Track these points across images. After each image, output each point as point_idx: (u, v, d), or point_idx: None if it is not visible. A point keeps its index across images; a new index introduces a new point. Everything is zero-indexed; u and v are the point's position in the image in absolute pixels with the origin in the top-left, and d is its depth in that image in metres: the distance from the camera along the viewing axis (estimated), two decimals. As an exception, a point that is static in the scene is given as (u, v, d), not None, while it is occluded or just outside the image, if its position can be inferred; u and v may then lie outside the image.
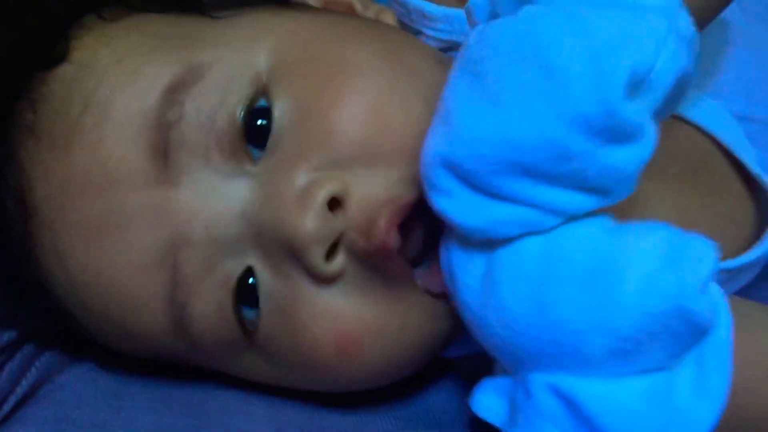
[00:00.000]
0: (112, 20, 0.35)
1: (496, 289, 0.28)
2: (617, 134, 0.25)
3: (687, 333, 0.26)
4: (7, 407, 0.35)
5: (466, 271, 0.29)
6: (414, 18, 0.44)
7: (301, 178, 0.31)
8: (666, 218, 0.42)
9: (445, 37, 0.43)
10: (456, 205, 0.28)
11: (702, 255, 0.26)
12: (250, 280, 0.33)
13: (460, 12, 0.42)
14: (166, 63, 0.32)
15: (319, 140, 0.31)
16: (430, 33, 0.44)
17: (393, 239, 0.30)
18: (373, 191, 0.31)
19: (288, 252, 0.31)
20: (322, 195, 0.30)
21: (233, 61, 0.33)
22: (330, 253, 0.31)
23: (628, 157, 0.26)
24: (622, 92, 0.24)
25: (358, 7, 0.42)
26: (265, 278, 0.33)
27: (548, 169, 0.26)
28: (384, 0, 0.53)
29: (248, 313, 0.33)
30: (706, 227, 0.43)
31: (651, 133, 0.26)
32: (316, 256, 0.30)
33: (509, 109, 0.26)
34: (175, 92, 0.32)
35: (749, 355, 0.30)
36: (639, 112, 0.25)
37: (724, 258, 0.43)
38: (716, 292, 0.27)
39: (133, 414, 0.35)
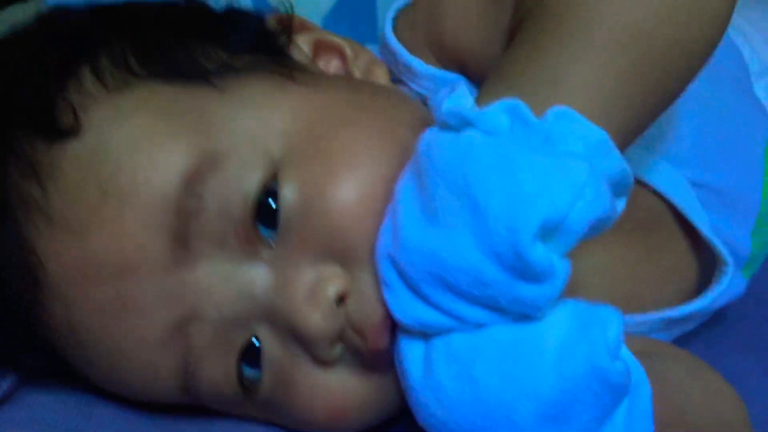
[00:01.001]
0: (118, 90, 0.35)
1: (433, 372, 0.30)
2: (526, 273, 0.27)
3: (605, 393, 0.29)
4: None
5: (409, 356, 0.31)
6: (401, 69, 0.46)
7: (309, 274, 0.34)
8: (616, 269, 0.46)
9: (427, 93, 0.45)
10: (394, 299, 0.30)
11: (608, 322, 0.29)
12: (255, 342, 0.35)
13: (444, 72, 0.44)
14: (181, 151, 0.33)
15: (322, 233, 0.33)
16: (414, 87, 0.45)
17: (383, 343, 0.33)
18: (369, 292, 0.33)
19: (295, 336, 0.34)
20: (330, 294, 0.33)
21: (247, 148, 0.34)
22: (333, 341, 0.34)
23: (536, 294, 0.28)
24: (531, 238, 0.26)
25: (349, 53, 0.44)
26: (269, 346, 0.35)
27: (467, 290, 0.28)
28: (374, 43, 0.56)
29: (249, 373, 0.36)
30: (652, 279, 0.47)
31: (561, 272, 0.28)
32: (322, 349, 0.34)
33: (440, 228, 0.28)
34: (193, 182, 0.33)
35: (668, 419, 0.32)
36: (547, 256, 0.27)
37: (667, 307, 0.47)
38: (630, 358, 0.30)
39: (104, 420, 0.37)
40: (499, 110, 0.29)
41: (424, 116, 0.40)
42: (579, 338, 0.28)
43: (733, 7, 0.35)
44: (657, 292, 0.47)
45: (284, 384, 0.36)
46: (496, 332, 0.29)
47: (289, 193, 0.34)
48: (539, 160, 0.27)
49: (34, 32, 0.41)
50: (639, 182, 0.45)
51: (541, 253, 0.27)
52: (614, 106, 0.31)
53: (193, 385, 0.36)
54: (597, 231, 0.29)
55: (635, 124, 0.33)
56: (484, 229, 0.27)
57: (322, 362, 0.35)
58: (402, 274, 0.30)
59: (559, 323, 0.29)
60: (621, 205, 0.31)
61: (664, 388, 0.33)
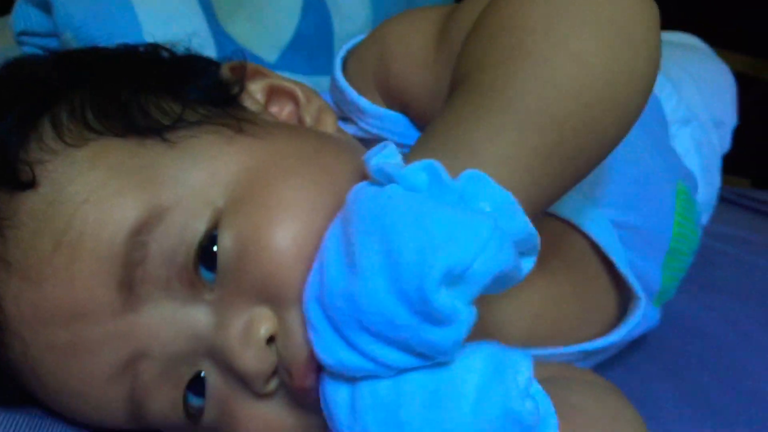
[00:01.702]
0: (75, 145, 0.37)
1: (360, 417, 0.31)
2: (432, 317, 0.28)
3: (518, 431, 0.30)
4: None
5: (335, 399, 0.32)
6: (350, 109, 0.48)
7: (243, 316, 0.35)
8: (541, 304, 0.48)
9: (374, 131, 0.47)
10: (319, 340, 0.31)
11: (519, 366, 0.30)
12: (202, 374, 0.37)
13: (389, 112, 0.47)
14: (130, 207, 0.35)
15: (255, 278, 0.35)
16: (362, 125, 0.47)
17: (308, 382, 0.35)
18: (296, 333, 0.34)
19: (233, 372, 0.36)
20: (262, 334, 0.35)
21: (191, 201, 0.36)
22: (269, 376, 0.36)
23: (442, 337, 0.29)
24: (435, 284, 0.28)
25: (302, 98, 0.45)
26: (212, 379, 0.37)
27: (382, 332, 0.29)
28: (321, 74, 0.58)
29: (194, 401, 0.37)
30: (575, 313, 0.50)
31: (465, 318, 0.29)
32: (258, 385, 0.35)
33: (357, 274, 0.30)
34: (139, 234, 0.35)
35: None
36: (450, 302, 0.28)
37: (589, 339, 0.50)
38: (539, 393, 0.32)
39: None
40: (418, 169, 0.30)
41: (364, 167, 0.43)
42: (493, 383, 0.30)
43: (645, 101, 0.38)
44: (579, 326, 0.50)
45: (225, 413, 0.37)
46: (417, 378, 0.30)
47: (227, 239, 0.35)
48: (449, 215, 0.29)
49: (1, 82, 0.42)
50: (566, 222, 0.48)
51: (444, 299, 0.28)
52: (525, 177, 0.33)
53: (142, 416, 0.38)
54: (502, 285, 0.31)
55: (546, 194, 0.35)
56: (396, 275, 0.28)
57: (259, 395, 0.36)
58: (327, 317, 0.31)
59: (475, 369, 0.30)
60: (528, 263, 0.32)
61: (569, 412, 0.36)
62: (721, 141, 0.75)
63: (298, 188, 0.36)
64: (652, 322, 0.55)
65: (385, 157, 0.32)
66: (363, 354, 0.30)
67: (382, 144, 0.33)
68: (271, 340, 0.35)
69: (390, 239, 0.29)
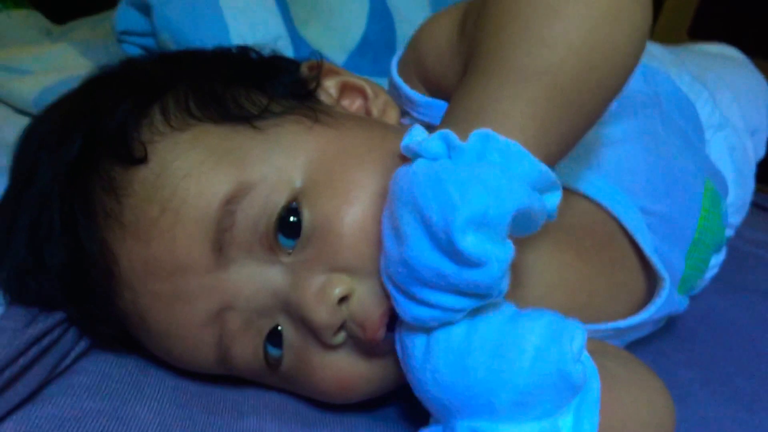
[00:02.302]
0: (180, 129, 0.43)
1: (433, 359, 0.37)
2: (467, 261, 0.34)
3: (566, 390, 0.36)
4: (68, 360, 0.45)
5: (412, 345, 0.38)
6: (404, 102, 0.53)
7: (319, 278, 0.41)
8: (575, 281, 0.53)
9: (426, 120, 0.52)
10: (397, 304, 0.37)
11: (574, 335, 0.36)
12: (279, 327, 0.43)
13: (435, 100, 0.51)
14: (223, 181, 0.41)
15: (333, 250, 0.41)
16: (415, 115, 0.53)
17: (380, 335, 0.41)
18: (370, 294, 0.41)
19: (306, 325, 0.42)
20: (335, 294, 0.41)
21: (274, 179, 0.42)
22: (336, 330, 0.42)
23: (482, 275, 0.34)
24: (460, 234, 0.33)
25: (370, 93, 0.52)
26: (288, 332, 0.43)
27: (436, 283, 0.35)
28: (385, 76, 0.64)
29: (273, 351, 0.44)
30: (606, 291, 0.55)
31: (498, 255, 0.34)
32: (327, 336, 0.42)
33: (404, 242, 0.35)
34: (229, 204, 0.41)
35: (611, 409, 0.39)
36: (479, 245, 0.33)
37: (617, 319, 0.54)
38: (588, 360, 0.37)
39: (158, 377, 0.46)
40: (435, 139, 0.36)
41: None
42: (551, 345, 0.35)
43: (636, 58, 0.42)
44: (610, 304, 0.55)
45: (300, 361, 0.44)
46: (486, 331, 0.36)
47: (308, 215, 0.42)
48: (460, 174, 0.34)
49: (119, 75, 0.49)
50: (597, 205, 0.53)
51: (471, 244, 0.33)
52: (530, 125, 0.38)
53: (228, 360, 0.44)
54: (531, 222, 0.36)
55: (555, 137, 0.39)
56: (430, 234, 0.34)
57: (329, 346, 0.43)
58: (394, 284, 0.37)
59: (537, 330, 0.36)
60: (553, 199, 0.37)
61: (606, 377, 0.40)
62: (755, 148, 0.79)
63: (368, 172, 0.43)
64: (678, 306, 0.60)
65: (412, 137, 0.38)
66: (430, 305, 0.36)
67: (410, 128, 0.39)
68: (341, 301, 0.41)
69: (420, 207, 0.34)
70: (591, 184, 0.53)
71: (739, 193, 0.73)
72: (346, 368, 0.43)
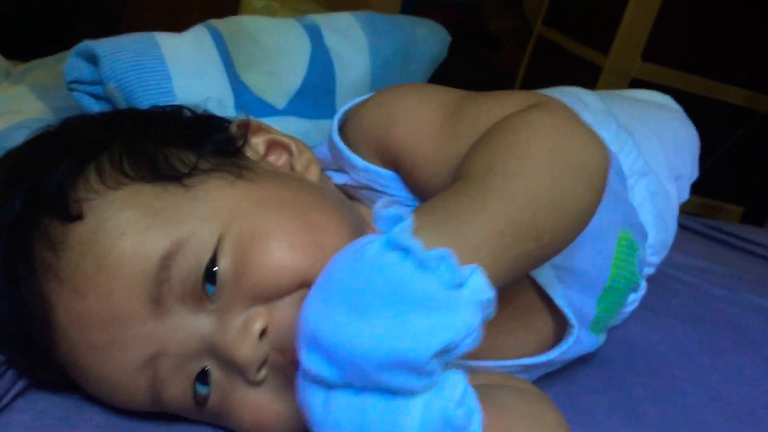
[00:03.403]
0: (114, 188, 0.47)
1: (333, 415, 0.38)
2: (418, 376, 0.36)
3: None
4: (7, 399, 0.49)
5: (312, 397, 0.39)
6: (344, 163, 0.58)
7: (239, 318, 0.46)
8: (492, 323, 0.57)
9: (364, 182, 0.57)
10: (302, 356, 0.38)
11: (456, 384, 0.38)
12: (206, 368, 0.47)
13: (380, 169, 0.56)
14: (159, 239, 0.45)
15: (247, 286, 0.46)
16: (354, 176, 0.58)
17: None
18: (288, 319, 0.45)
19: (231, 364, 0.46)
20: (255, 329, 0.45)
21: (201, 233, 0.46)
22: (260, 366, 0.46)
23: (418, 385, 0.36)
24: (430, 358, 0.35)
25: (294, 150, 0.57)
26: (215, 372, 0.48)
27: (367, 373, 0.36)
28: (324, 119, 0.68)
29: (201, 389, 0.48)
30: (515, 333, 0.60)
31: (440, 372, 0.37)
32: (251, 372, 0.46)
33: (361, 324, 0.36)
34: (166, 260, 0.45)
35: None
36: (436, 365, 0.36)
37: (528, 356, 0.59)
38: (470, 398, 0.39)
39: (92, 413, 0.50)
40: (435, 256, 0.36)
41: (342, 209, 0.53)
42: (436, 396, 0.37)
43: (591, 217, 0.49)
44: (519, 344, 0.60)
45: (224, 399, 0.48)
46: (385, 397, 0.37)
47: (224, 262, 0.46)
48: (454, 309, 0.36)
49: (58, 136, 0.54)
50: None
51: (432, 366, 0.35)
52: (503, 264, 0.41)
53: (161, 401, 0.49)
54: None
55: (512, 276, 0.44)
56: (399, 339, 0.35)
57: (253, 383, 0.47)
58: (317, 339, 0.37)
59: (427, 402, 0.37)
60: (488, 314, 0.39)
61: (499, 411, 0.45)
62: (679, 192, 0.84)
63: (278, 221, 0.48)
64: (589, 345, 0.65)
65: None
66: (344, 376, 0.37)
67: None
68: (262, 336, 0.46)
69: (403, 315, 0.36)
70: None
71: (660, 236, 0.77)
72: (264, 406, 0.48)
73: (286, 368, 0.46)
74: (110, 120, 0.57)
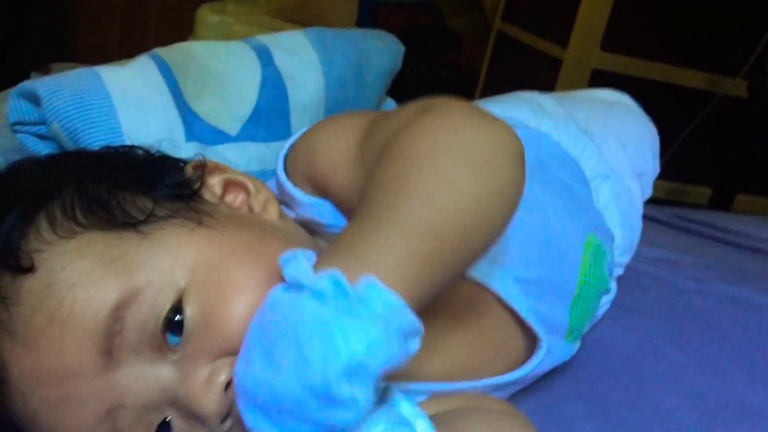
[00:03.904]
0: (66, 238, 0.45)
1: None
2: (337, 405, 0.36)
3: None
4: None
5: None
6: (287, 198, 0.58)
7: (204, 370, 0.45)
8: (455, 347, 0.58)
9: (308, 216, 0.57)
10: (247, 417, 0.40)
11: (378, 418, 0.40)
12: (167, 419, 0.46)
13: (316, 200, 0.56)
14: (111, 289, 0.44)
15: (214, 338, 0.45)
16: (298, 211, 0.57)
17: None
18: None
19: (194, 416, 0.45)
20: (220, 381, 0.44)
21: (159, 282, 0.45)
22: (224, 418, 0.45)
23: (345, 418, 0.37)
24: (336, 383, 0.36)
25: (252, 189, 0.55)
26: (177, 423, 0.46)
27: (298, 415, 0.37)
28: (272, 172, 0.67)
29: None
30: (485, 353, 0.60)
31: (364, 400, 0.37)
32: (215, 425, 0.45)
33: (276, 370, 0.37)
34: (118, 310, 0.43)
35: None
36: (350, 392, 0.36)
37: (500, 374, 0.59)
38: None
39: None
40: (324, 279, 0.38)
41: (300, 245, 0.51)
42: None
43: (511, 214, 0.46)
44: (490, 364, 0.60)
45: None
46: None
47: (190, 312, 0.45)
48: (345, 324, 0.36)
49: (5, 184, 0.52)
50: (475, 282, 0.58)
51: (345, 391, 0.36)
52: (412, 281, 0.40)
53: None
54: (395, 366, 0.38)
55: (429, 291, 0.42)
56: (307, 374, 0.36)
57: None
58: (252, 400, 0.39)
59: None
60: (414, 344, 0.39)
61: None
62: (643, 189, 0.84)
63: (244, 270, 0.47)
64: (564, 355, 0.65)
65: (296, 266, 0.40)
66: (283, 427, 0.38)
67: (291, 253, 0.42)
68: (227, 387, 0.45)
69: (302, 346, 0.37)
70: None
71: (626, 235, 0.78)
72: None
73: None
74: (60, 163, 0.55)
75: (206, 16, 2.14)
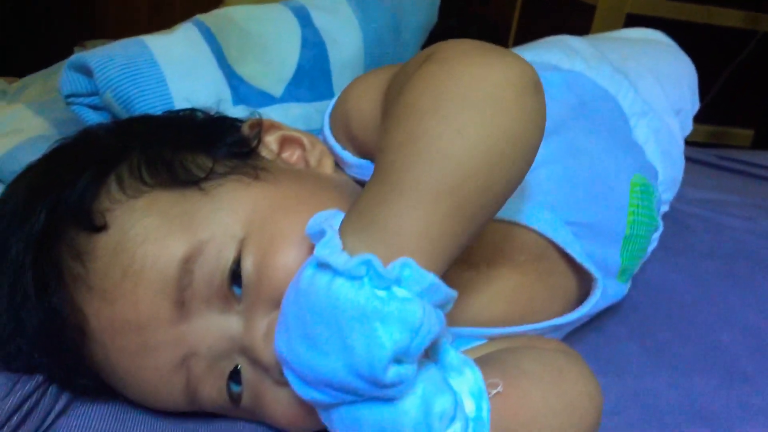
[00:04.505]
0: (134, 197, 0.48)
1: (334, 425, 0.42)
2: (383, 387, 0.38)
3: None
4: (48, 420, 0.51)
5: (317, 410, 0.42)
6: (339, 159, 0.58)
7: (263, 320, 0.47)
8: (512, 291, 0.59)
9: (359, 177, 0.57)
10: (292, 384, 0.42)
11: (443, 400, 0.40)
12: (238, 367, 0.48)
13: (362, 161, 0.56)
14: (178, 244, 0.46)
15: (271, 289, 0.46)
16: (349, 173, 0.58)
17: None
18: None
19: (258, 364, 0.47)
20: None
21: (221, 236, 0.47)
22: None
23: (391, 393, 0.38)
24: (383, 370, 0.37)
25: (307, 145, 0.57)
26: (246, 371, 0.48)
27: (342, 390, 0.39)
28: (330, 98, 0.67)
29: (235, 388, 0.49)
30: (543, 296, 0.61)
31: (409, 377, 0.38)
32: (276, 373, 0.46)
33: (319, 352, 0.38)
34: (186, 263, 0.45)
35: (517, 404, 0.45)
36: (396, 373, 0.37)
37: (554, 317, 0.60)
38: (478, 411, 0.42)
39: (135, 422, 0.52)
40: (358, 263, 0.37)
41: (351, 198, 0.52)
42: (423, 414, 0.39)
43: (532, 155, 0.44)
44: (548, 304, 0.61)
45: (257, 397, 0.49)
46: (371, 409, 0.40)
47: (248, 264, 0.46)
48: (387, 314, 0.37)
49: (77, 148, 0.54)
50: (526, 228, 0.59)
51: (391, 374, 0.37)
52: (440, 243, 0.40)
53: (197, 400, 0.49)
54: (434, 338, 0.39)
55: (458, 246, 0.42)
56: (352, 361, 0.37)
57: (280, 382, 0.47)
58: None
59: (410, 409, 0.39)
60: (447, 308, 0.40)
61: (517, 375, 0.46)
62: (682, 125, 0.83)
63: (296, 220, 0.47)
64: (617, 295, 0.66)
65: (325, 246, 0.39)
66: (334, 397, 0.40)
67: (319, 232, 0.41)
68: None
69: (344, 336, 0.37)
70: (517, 211, 0.58)
71: (668, 171, 0.77)
72: (293, 403, 0.48)
73: None
74: (126, 128, 0.58)
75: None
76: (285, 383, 0.47)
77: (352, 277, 0.38)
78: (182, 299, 0.46)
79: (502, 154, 0.42)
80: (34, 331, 0.48)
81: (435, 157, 0.41)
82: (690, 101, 0.86)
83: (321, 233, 0.41)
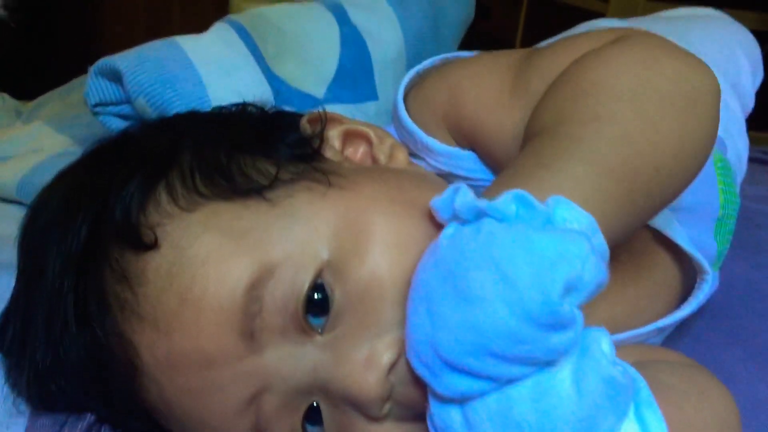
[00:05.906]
0: (188, 210, 0.41)
1: (477, 429, 0.34)
2: (557, 326, 0.31)
3: (618, 395, 0.33)
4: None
5: (448, 421, 0.35)
6: (419, 148, 0.52)
7: (362, 350, 0.39)
8: (616, 290, 0.52)
9: (444, 168, 0.51)
10: (435, 378, 0.34)
11: (600, 338, 0.34)
12: (315, 404, 0.41)
13: (458, 150, 0.51)
14: (245, 266, 0.39)
15: (375, 315, 0.39)
16: (432, 162, 0.52)
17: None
18: None
19: (348, 401, 0.39)
20: (384, 363, 0.38)
21: (299, 256, 0.39)
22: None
23: (565, 340, 0.32)
24: (559, 297, 0.31)
25: (374, 139, 0.49)
26: (326, 409, 0.41)
27: (506, 351, 0.32)
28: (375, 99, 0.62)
29: (311, 429, 0.42)
30: (646, 293, 0.54)
31: (580, 320, 0.32)
32: (376, 409, 0.39)
33: (475, 306, 0.32)
34: (254, 289, 0.38)
35: (675, 419, 0.37)
36: (571, 309, 0.32)
37: (661, 316, 0.53)
38: (621, 362, 0.35)
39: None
40: (508, 199, 0.33)
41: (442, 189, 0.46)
42: (584, 360, 0.33)
43: (707, 156, 0.43)
44: (653, 304, 0.54)
45: None
46: (520, 386, 0.33)
47: (339, 288, 0.40)
48: (552, 237, 0.32)
49: (118, 152, 0.47)
50: None
51: (567, 306, 0.31)
52: (601, 220, 0.35)
53: None
54: (595, 293, 0.34)
55: (616, 233, 0.39)
56: (516, 297, 0.31)
57: (374, 419, 0.40)
58: (440, 354, 0.33)
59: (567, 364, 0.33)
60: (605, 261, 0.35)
61: (661, 389, 0.38)
62: (741, 101, 0.78)
63: (395, 228, 0.41)
64: (714, 287, 0.59)
65: (465, 196, 0.35)
66: (484, 377, 0.33)
67: (453, 187, 0.36)
68: (391, 367, 0.39)
69: (505, 269, 0.32)
70: None
71: (732, 149, 0.71)
72: None
73: (411, 398, 0.39)
74: (172, 128, 0.50)
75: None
76: (381, 419, 0.40)
77: (505, 216, 0.33)
78: (251, 330, 0.39)
79: (684, 157, 0.41)
80: (76, 367, 0.42)
81: (619, 138, 0.39)
82: (747, 72, 0.80)
83: (446, 200, 0.36)
